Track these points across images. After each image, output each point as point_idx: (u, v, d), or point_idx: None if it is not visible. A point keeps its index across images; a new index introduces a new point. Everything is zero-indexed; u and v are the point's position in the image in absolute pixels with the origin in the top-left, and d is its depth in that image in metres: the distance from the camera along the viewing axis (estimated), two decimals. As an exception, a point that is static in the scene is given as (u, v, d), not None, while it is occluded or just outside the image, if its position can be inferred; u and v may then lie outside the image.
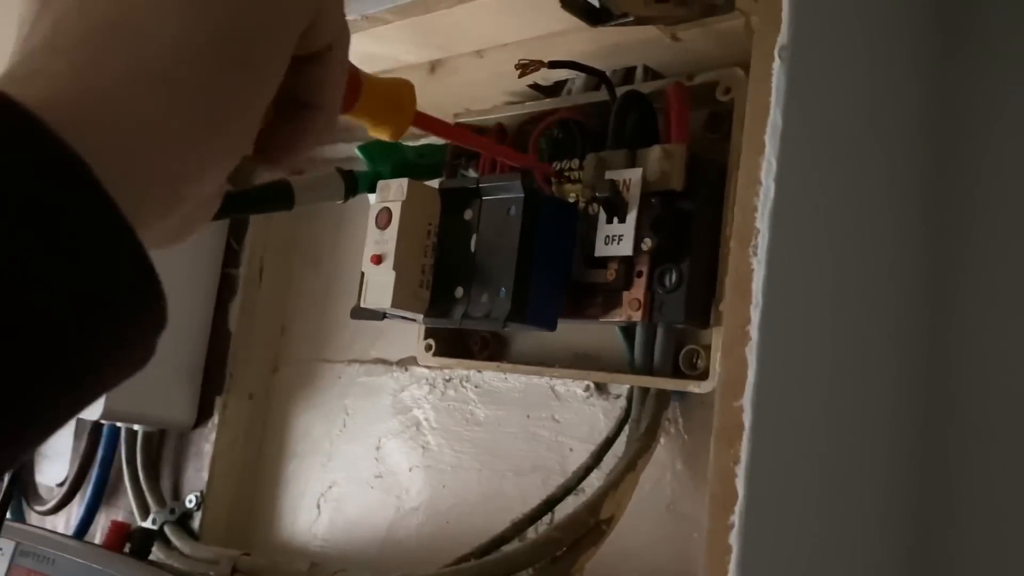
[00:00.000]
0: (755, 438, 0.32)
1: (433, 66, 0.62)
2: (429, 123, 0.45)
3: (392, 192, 0.54)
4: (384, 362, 0.73)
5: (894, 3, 0.43)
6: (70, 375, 0.23)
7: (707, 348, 0.52)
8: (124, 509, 0.84)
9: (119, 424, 0.82)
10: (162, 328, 0.26)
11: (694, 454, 0.54)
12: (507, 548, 0.52)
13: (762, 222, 0.34)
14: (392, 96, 0.39)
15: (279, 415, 0.80)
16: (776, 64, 0.35)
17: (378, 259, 0.53)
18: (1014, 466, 0.44)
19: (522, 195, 0.51)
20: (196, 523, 0.77)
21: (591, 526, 0.49)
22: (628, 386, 0.56)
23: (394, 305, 0.52)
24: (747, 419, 0.32)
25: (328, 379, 0.77)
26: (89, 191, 0.22)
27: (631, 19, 0.40)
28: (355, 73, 0.37)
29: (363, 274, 0.54)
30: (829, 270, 0.38)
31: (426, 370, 0.69)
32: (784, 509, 0.35)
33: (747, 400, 0.33)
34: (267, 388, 0.81)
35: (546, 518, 0.54)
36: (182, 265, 0.79)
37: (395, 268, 0.52)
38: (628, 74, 0.58)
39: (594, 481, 0.54)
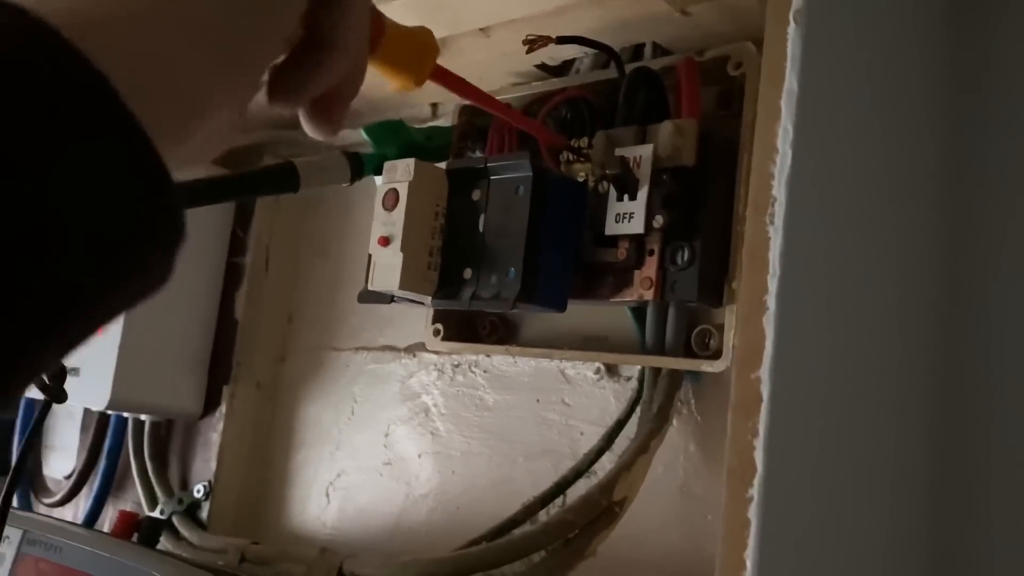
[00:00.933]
0: (773, 410, 0.32)
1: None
2: (447, 78, 0.44)
3: (399, 173, 0.53)
4: (392, 349, 0.73)
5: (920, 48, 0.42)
6: (83, 283, 0.22)
7: (720, 328, 0.51)
8: (132, 500, 0.84)
9: (126, 414, 0.82)
10: (180, 241, 0.25)
11: (707, 435, 0.53)
12: (519, 531, 0.51)
13: (779, 189, 0.33)
14: (415, 42, 0.39)
15: (287, 404, 0.80)
16: (791, 28, 0.34)
17: (385, 241, 0.52)
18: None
19: (530, 174, 0.50)
20: (204, 513, 0.77)
21: (604, 508, 0.49)
22: (639, 368, 0.55)
23: (402, 287, 0.52)
24: (765, 391, 0.32)
25: (336, 367, 0.77)
26: (108, 103, 0.22)
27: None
28: (379, 18, 0.37)
29: (370, 256, 0.53)
30: (848, 240, 0.37)
31: (435, 356, 0.69)
32: (802, 482, 0.34)
33: (765, 371, 0.32)
34: (275, 377, 0.81)
35: (558, 501, 0.53)
36: (188, 254, 0.78)
37: (403, 250, 0.52)
38: (637, 51, 0.57)
39: (606, 464, 0.53)
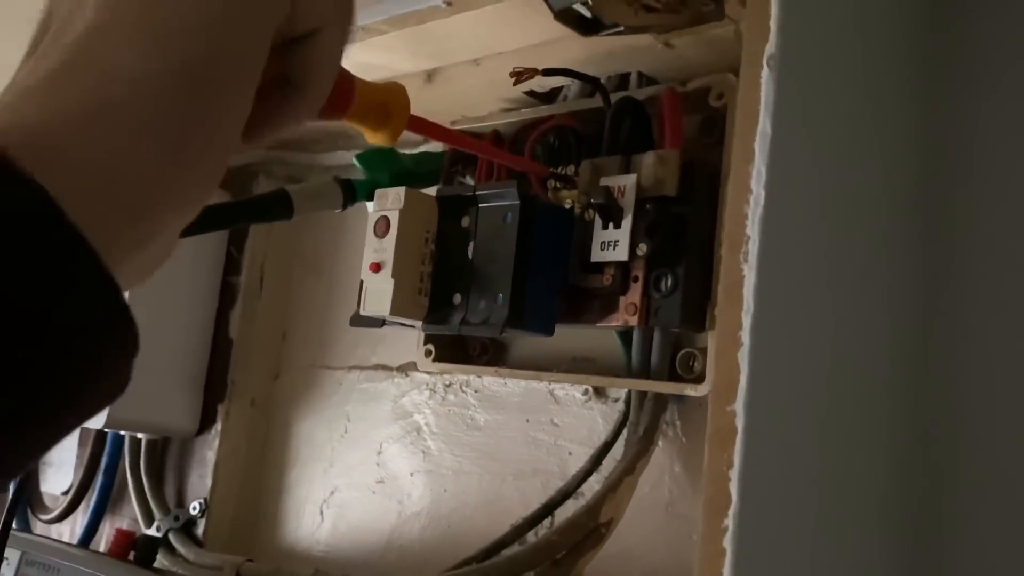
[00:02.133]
0: (748, 442, 0.33)
1: (429, 75, 0.62)
2: (424, 126, 0.45)
3: (390, 201, 0.54)
4: (385, 368, 0.74)
5: (886, 9, 0.44)
6: (39, 403, 0.23)
7: (704, 351, 0.53)
8: (128, 517, 0.85)
9: (123, 432, 0.83)
10: (134, 353, 0.25)
11: (692, 456, 0.55)
12: (507, 552, 0.53)
13: (752, 229, 0.34)
14: (385, 100, 0.40)
15: (281, 422, 0.81)
16: (764, 73, 0.35)
17: (377, 267, 0.53)
18: (1010, 469, 0.44)
19: (518, 202, 0.51)
20: (200, 530, 0.78)
21: (590, 529, 0.50)
22: (627, 390, 0.57)
23: (393, 312, 0.53)
24: (740, 423, 0.33)
25: (329, 385, 0.78)
26: (54, 222, 0.22)
27: (622, 29, 0.40)
28: (348, 78, 0.37)
29: (362, 282, 0.55)
30: (822, 275, 0.38)
31: (426, 375, 0.70)
32: (778, 513, 0.35)
33: (739, 404, 0.33)
34: (269, 395, 0.82)
35: (546, 522, 0.54)
36: (183, 274, 0.80)
37: (393, 276, 0.53)
38: (623, 80, 0.58)
39: (594, 485, 0.54)
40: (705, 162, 0.51)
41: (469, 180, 0.63)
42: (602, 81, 0.55)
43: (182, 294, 0.80)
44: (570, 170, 0.55)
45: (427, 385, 0.70)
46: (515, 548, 0.53)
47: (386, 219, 0.54)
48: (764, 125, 0.35)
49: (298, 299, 0.83)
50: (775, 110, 0.35)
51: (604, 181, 0.51)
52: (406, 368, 0.72)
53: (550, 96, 0.62)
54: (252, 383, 0.81)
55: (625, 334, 0.56)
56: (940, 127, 0.46)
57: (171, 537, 0.77)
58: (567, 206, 0.55)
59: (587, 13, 0.41)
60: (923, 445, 0.45)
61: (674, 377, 0.53)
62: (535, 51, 0.55)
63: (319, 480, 0.76)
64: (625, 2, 0.39)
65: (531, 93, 0.62)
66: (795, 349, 0.36)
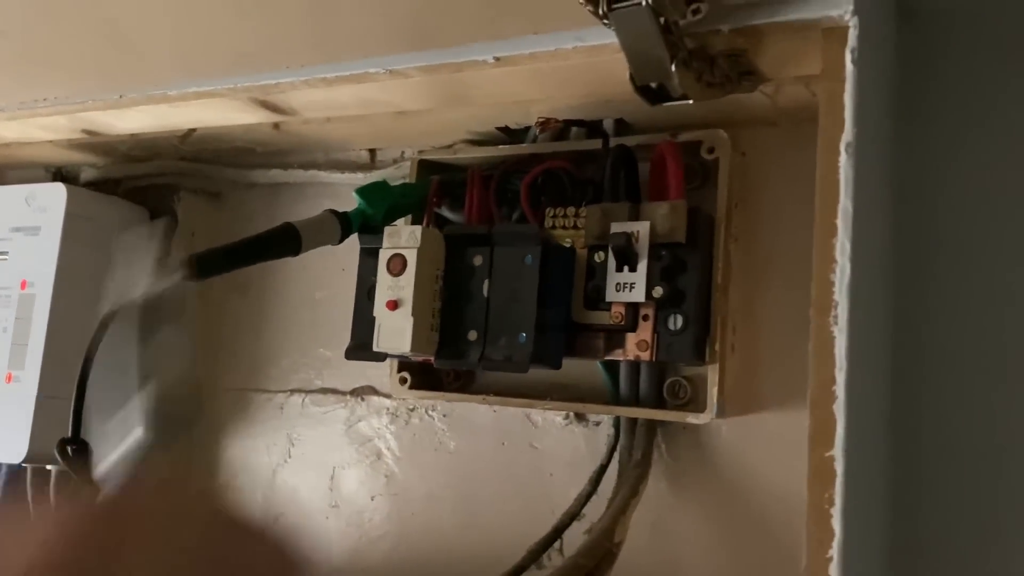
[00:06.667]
0: (846, 482, 0.38)
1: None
2: None
3: (404, 239, 0.55)
4: (335, 392, 0.74)
5: (886, 96, 0.51)
6: None
7: (690, 379, 0.58)
8: (26, 553, 0.79)
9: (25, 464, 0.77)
10: None
11: (678, 475, 0.60)
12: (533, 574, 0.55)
13: (840, 295, 0.39)
14: None
15: (205, 446, 0.78)
16: (843, 158, 0.40)
17: (394, 305, 0.54)
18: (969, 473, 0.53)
19: (539, 246, 0.54)
20: (125, 564, 0.74)
21: (607, 550, 0.54)
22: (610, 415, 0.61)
23: (413, 349, 0.54)
24: (839, 467, 0.38)
25: (267, 409, 0.76)
26: None
27: (690, 100, 0.44)
28: None
29: (375, 319, 0.55)
30: (871, 323, 0.44)
31: (386, 400, 0.70)
32: (862, 539, 0.41)
33: (838, 450, 0.38)
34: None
35: (555, 544, 0.58)
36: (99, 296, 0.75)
37: (413, 314, 0.54)
38: (595, 124, 0.62)
39: (592, 507, 0.58)
40: (701, 209, 0.56)
41: (447, 212, 0.64)
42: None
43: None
44: (569, 212, 0.58)
45: (388, 410, 0.71)
46: (533, 571, 0.56)
47: (401, 257, 0.55)
48: (845, 204, 0.40)
49: (221, 319, 0.80)
50: (855, 190, 0.40)
51: (616, 227, 0.55)
52: (361, 392, 0.72)
53: (516, 133, 0.65)
54: (176, 408, 0.78)
55: (609, 364, 0.60)
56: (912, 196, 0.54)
57: (95, 574, 0.72)
58: (567, 244, 0.58)
59: (655, 86, 0.44)
60: (901, 463, 0.53)
61: (661, 403, 0.58)
62: (539, 97, 0.57)
63: (259, 506, 0.75)
64: (695, 79, 0.43)
65: (504, 129, 0.65)
66: (864, 393, 0.42)
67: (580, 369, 0.62)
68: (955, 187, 0.56)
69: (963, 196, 0.56)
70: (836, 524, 0.38)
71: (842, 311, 0.39)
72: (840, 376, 0.39)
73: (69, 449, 0.48)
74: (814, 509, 0.39)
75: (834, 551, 0.38)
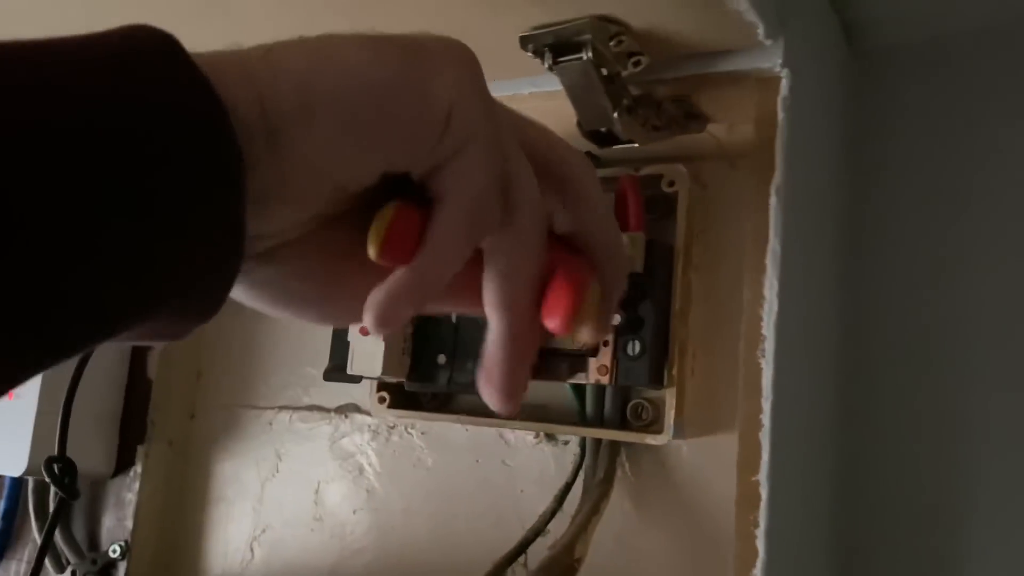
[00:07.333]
0: (770, 505, 0.41)
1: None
2: None
3: (377, 268, 0.58)
4: (320, 409, 0.77)
5: (830, 138, 0.53)
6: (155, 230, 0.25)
7: (651, 401, 0.61)
8: (27, 562, 0.82)
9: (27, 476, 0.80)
10: (230, 282, 0.28)
11: (640, 493, 0.62)
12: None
13: (768, 330, 0.42)
14: None
15: (200, 461, 0.81)
16: (773, 200, 0.43)
17: (367, 331, 0.57)
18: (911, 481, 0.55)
19: (504, 275, 0.57)
20: (120, 573, 0.77)
21: (566, 566, 0.56)
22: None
23: (384, 372, 0.57)
24: (764, 491, 0.41)
25: (256, 425, 0.79)
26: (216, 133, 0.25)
27: (636, 144, 0.47)
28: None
29: (348, 343, 0.58)
30: (805, 350, 0.47)
31: (368, 417, 0.73)
32: (789, 559, 0.43)
33: (763, 476, 0.41)
34: (186, 435, 0.82)
35: (520, 558, 0.60)
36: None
37: (384, 339, 0.57)
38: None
39: (557, 523, 0.61)
40: (659, 240, 0.59)
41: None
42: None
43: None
44: (537, 241, 0.61)
45: (369, 427, 0.74)
46: (499, 585, 0.58)
47: (374, 285, 0.58)
48: (774, 244, 0.43)
49: (215, 337, 0.84)
50: (783, 231, 0.43)
51: (578, 257, 0.58)
52: (345, 409, 0.75)
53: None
54: (170, 423, 0.81)
55: (577, 386, 0.62)
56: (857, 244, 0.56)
57: (90, 582, 0.76)
58: (534, 273, 0.61)
59: (604, 130, 0.47)
60: (848, 471, 0.55)
61: (624, 424, 0.61)
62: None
63: (248, 518, 0.78)
64: (640, 124, 0.46)
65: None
66: (794, 421, 0.44)
67: (550, 391, 0.64)
68: (906, 209, 0.58)
69: (915, 218, 0.58)
70: (760, 545, 0.41)
71: (769, 345, 0.42)
72: (766, 405, 0.42)
73: (55, 467, 0.51)
74: (740, 531, 0.41)
75: (758, 571, 0.40)
